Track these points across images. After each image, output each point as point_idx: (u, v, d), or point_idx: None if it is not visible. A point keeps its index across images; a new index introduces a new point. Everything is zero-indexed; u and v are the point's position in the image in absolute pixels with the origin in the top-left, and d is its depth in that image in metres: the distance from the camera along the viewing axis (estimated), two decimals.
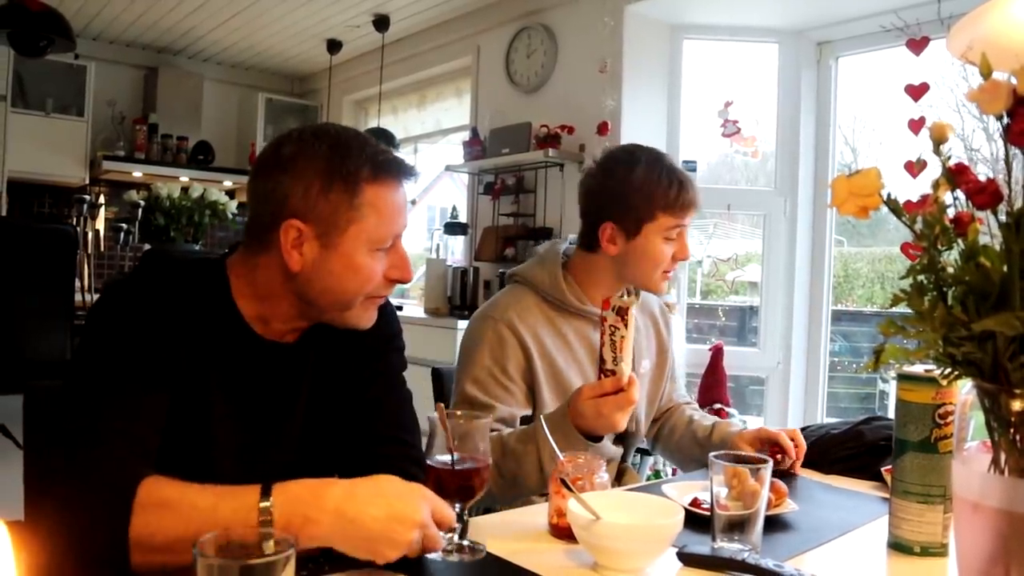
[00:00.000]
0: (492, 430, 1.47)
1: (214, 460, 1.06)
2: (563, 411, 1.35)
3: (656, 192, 1.54)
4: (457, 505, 0.98)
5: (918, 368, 1.05)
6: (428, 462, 0.99)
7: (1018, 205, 0.65)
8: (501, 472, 1.40)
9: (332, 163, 1.06)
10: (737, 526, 1.01)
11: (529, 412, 1.56)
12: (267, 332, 1.13)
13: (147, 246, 4.42)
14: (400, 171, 1.10)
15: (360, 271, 1.08)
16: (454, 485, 0.98)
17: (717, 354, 3.34)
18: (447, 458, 0.99)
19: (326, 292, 1.09)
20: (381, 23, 4.59)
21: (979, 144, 2.77)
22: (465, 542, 0.99)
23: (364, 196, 1.06)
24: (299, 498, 0.88)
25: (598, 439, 1.35)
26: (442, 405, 1.00)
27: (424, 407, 2.35)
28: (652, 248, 1.56)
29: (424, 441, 1.07)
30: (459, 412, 1.05)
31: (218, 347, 1.08)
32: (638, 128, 3.54)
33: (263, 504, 0.86)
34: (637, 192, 1.55)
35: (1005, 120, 0.64)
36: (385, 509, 0.88)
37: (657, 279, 1.61)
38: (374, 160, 1.08)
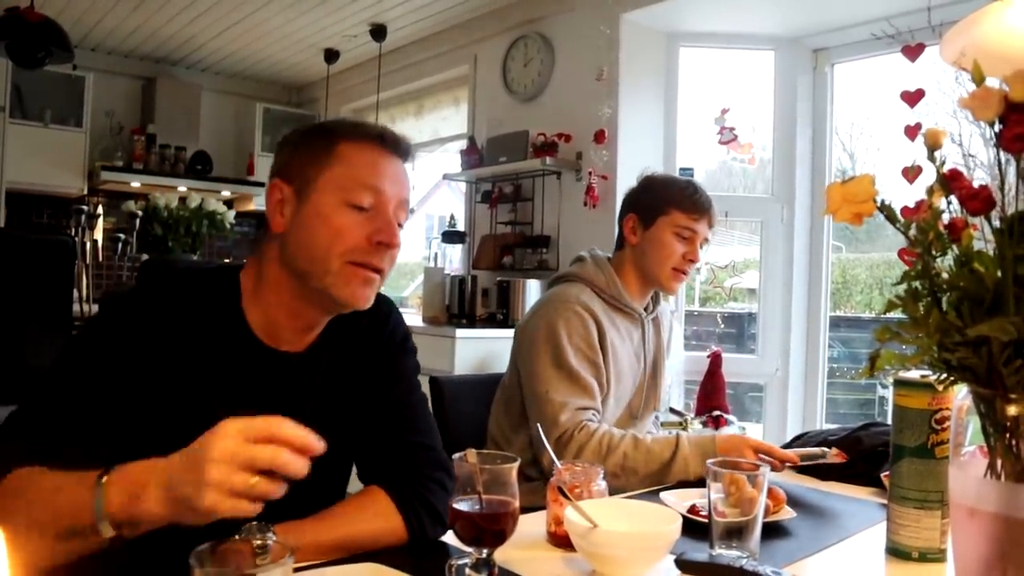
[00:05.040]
0: (584, 408, 1.61)
1: None
2: (712, 439, 1.54)
3: (672, 190, 1.78)
4: (485, 551, 0.92)
5: (914, 374, 1.06)
6: (456, 506, 0.92)
7: (1011, 211, 0.66)
8: (641, 473, 1.53)
9: (315, 126, 1.13)
10: (735, 533, 1.01)
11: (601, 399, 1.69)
12: (275, 341, 1.11)
13: (145, 256, 4.41)
14: (382, 135, 1.10)
15: (329, 222, 1.04)
16: (484, 530, 0.91)
17: (716, 361, 3.34)
18: (476, 503, 0.92)
19: (303, 251, 1.06)
20: (378, 32, 4.60)
21: (976, 149, 2.78)
22: None
23: (337, 148, 1.07)
24: (128, 476, 0.83)
25: None
26: (473, 450, 0.93)
27: None
28: (664, 239, 1.74)
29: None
30: (485, 453, 0.95)
31: (220, 358, 1.06)
32: (635, 136, 3.55)
33: (102, 479, 0.83)
34: (658, 188, 1.80)
35: (997, 127, 0.65)
36: (182, 458, 0.80)
37: (668, 274, 1.77)
38: (355, 123, 1.12)
